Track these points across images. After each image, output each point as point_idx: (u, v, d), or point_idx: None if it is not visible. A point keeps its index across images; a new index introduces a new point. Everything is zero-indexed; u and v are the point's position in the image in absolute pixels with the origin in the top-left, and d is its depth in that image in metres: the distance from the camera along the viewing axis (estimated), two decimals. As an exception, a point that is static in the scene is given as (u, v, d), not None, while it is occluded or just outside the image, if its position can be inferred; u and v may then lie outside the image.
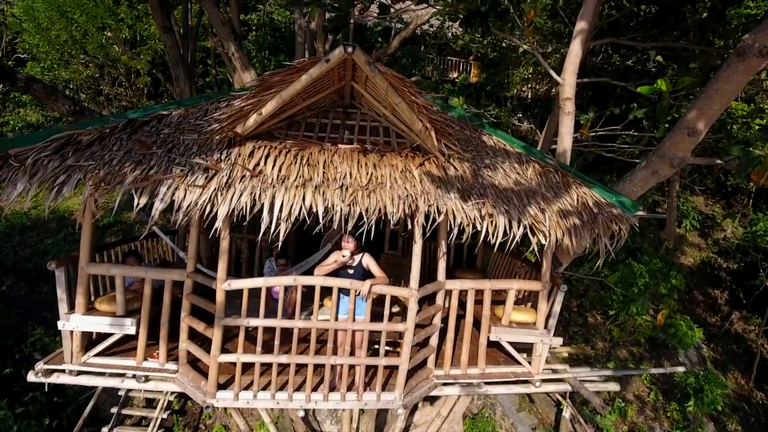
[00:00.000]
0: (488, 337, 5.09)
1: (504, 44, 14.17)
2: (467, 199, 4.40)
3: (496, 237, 4.26)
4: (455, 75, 20.44)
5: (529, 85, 19.13)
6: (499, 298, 5.52)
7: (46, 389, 4.93)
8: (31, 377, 4.77)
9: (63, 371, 4.77)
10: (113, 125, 4.80)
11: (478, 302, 5.15)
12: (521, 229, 4.37)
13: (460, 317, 5.18)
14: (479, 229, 4.27)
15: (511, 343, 5.20)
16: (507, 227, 4.31)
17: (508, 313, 5.12)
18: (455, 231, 4.24)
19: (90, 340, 4.91)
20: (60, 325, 4.62)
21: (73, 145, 4.42)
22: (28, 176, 4.02)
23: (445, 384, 5.03)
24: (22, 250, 12.69)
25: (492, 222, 4.31)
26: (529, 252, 4.63)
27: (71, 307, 4.67)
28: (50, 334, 9.49)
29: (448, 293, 4.99)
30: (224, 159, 4.36)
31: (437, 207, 4.24)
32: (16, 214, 13.45)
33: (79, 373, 4.79)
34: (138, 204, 3.89)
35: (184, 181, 4.03)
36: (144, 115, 5.11)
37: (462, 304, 5.29)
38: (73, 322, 4.62)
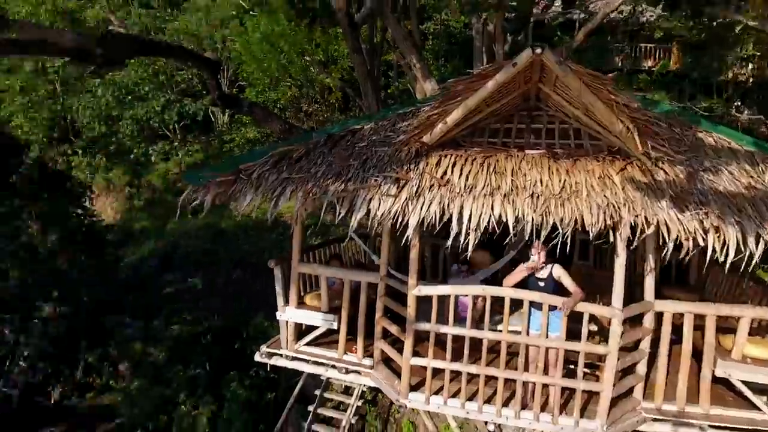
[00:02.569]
0: (713, 371, 4.24)
1: (715, 23, 11.79)
2: (684, 209, 3.76)
3: (726, 254, 3.53)
4: (650, 63, 17.86)
5: (750, 66, 15.70)
6: (724, 325, 4.56)
7: (268, 368, 5.85)
8: (257, 357, 5.73)
9: (280, 355, 5.59)
10: (316, 140, 5.48)
11: (697, 328, 4.34)
12: (761, 245, 3.55)
13: (673, 343, 4.43)
14: (702, 244, 3.60)
15: (745, 383, 4.25)
16: (740, 242, 3.55)
17: (741, 345, 4.19)
18: (670, 246, 3.65)
19: (300, 330, 5.63)
20: (278, 315, 5.46)
21: (286, 160, 5.19)
22: (254, 188, 4.87)
23: (655, 419, 4.35)
24: (246, 247, 15.40)
25: (719, 236, 3.61)
26: (763, 271, 3.74)
27: (286, 301, 5.45)
28: (268, 320, 11.28)
29: (658, 315, 4.32)
30: (413, 169, 4.56)
31: (645, 217, 3.73)
32: (242, 216, 16.48)
33: (293, 358, 5.54)
34: (340, 213, 4.33)
35: (378, 191, 4.33)
36: (341, 130, 5.68)
37: (675, 328, 4.52)
38: (288, 314, 5.40)
